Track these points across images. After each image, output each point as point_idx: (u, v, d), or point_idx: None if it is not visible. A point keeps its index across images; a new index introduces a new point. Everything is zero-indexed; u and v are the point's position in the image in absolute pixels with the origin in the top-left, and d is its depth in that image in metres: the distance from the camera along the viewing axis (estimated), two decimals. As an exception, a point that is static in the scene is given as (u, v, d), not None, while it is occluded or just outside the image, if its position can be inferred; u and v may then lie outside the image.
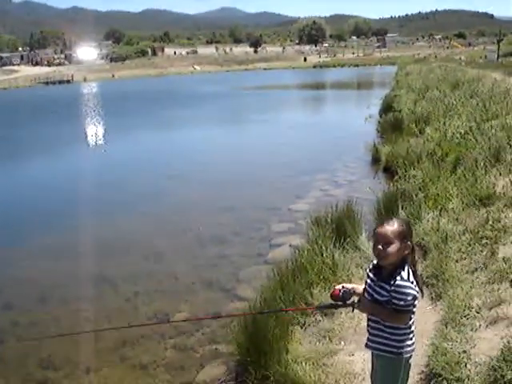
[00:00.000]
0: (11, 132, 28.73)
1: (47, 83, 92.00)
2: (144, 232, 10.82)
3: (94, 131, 28.10)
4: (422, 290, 3.20)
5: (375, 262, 3.24)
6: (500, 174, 8.07)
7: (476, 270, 5.69)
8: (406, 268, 3.07)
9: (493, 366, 3.98)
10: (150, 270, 8.87)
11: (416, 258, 3.25)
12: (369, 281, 3.22)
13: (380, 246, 3.06)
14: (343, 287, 3.22)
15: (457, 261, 5.99)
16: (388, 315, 3.06)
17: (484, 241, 6.11)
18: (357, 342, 5.15)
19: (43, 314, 7.57)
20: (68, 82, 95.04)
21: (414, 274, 3.10)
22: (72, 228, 11.01)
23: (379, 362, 3.30)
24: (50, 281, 8.71)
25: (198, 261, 9.14)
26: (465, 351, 4.37)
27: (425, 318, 5.06)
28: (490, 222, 6.41)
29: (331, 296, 3.23)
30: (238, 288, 7.84)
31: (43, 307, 7.79)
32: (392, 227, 3.06)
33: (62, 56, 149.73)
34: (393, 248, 3.03)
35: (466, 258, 6.00)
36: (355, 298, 3.21)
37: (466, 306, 5.01)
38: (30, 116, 39.52)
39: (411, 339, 3.17)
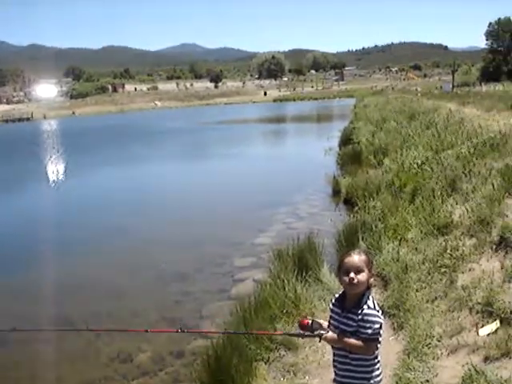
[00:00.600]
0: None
1: (6, 121, 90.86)
2: (105, 270, 10.65)
3: (54, 169, 27.70)
4: None
5: (337, 295, 3.27)
6: (456, 203, 8.21)
7: (436, 298, 5.75)
8: (371, 296, 3.11)
9: (455, 395, 4.01)
10: (112, 309, 8.72)
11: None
12: (333, 314, 3.24)
13: (352, 275, 3.07)
14: (311, 318, 3.23)
15: (417, 290, 6.05)
16: (356, 345, 3.05)
17: (443, 269, 6.19)
18: (321, 375, 5.13)
19: (3, 357, 7.35)
20: (28, 119, 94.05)
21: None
22: (32, 268, 10.77)
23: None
24: (8, 322, 8.46)
25: (160, 298, 9.04)
26: (427, 380, 4.40)
27: (387, 349, 5.07)
28: (449, 251, 6.51)
29: (300, 325, 3.22)
30: (201, 325, 7.74)
31: (3, 351, 7.57)
32: (360, 256, 3.12)
33: (22, 94, 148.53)
34: (363, 276, 3.07)
35: (426, 287, 6.06)
36: (322, 331, 3.20)
37: (427, 335, 5.06)
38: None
39: (378, 369, 3.18)
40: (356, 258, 3.10)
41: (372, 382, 3.14)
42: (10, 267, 11.16)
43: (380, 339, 3.09)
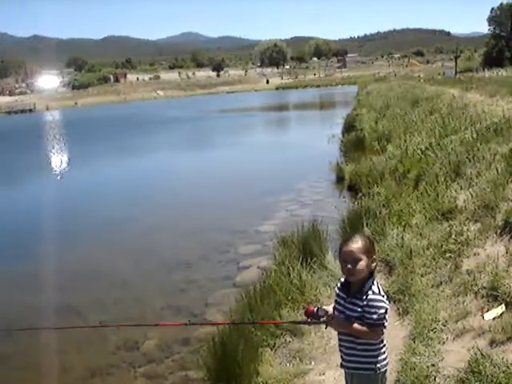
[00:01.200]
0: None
1: (9, 113, 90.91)
2: (110, 259, 10.70)
3: (57, 159, 27.77)
4: None
5: (343, 279, 3.27)
6: (461, 188, 8.18)
7: (441, 283, 5.75)
8: (375, 281, 3.11)
9: (461, 378, 4.02)
10: (117, 297, 8.76)
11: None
12: (338, 299, 3.24)
13: (349, 265, 3.08)
14: (318, 306, 3.25)
15: (422, 275, 6.04)
16: (361, 330, 3.07)
17: (448, 254, 6.18)
18: (327, 361, 5.15)
19: (10, 346, 7.39)
20: (30, 111, 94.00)
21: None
22: (36, 258, 10.81)
23: (356, 381, 3.27)
24: (15, 312, 8.53)
25: (165, 286, 9.07)
26: (433, 365, 4.40)
27: (393, 334, 5.08)
28: (453, 236, 6.49)
29: (305, 313, 3.25)
30: (207, 312, 7.79)
31: (10, 340, 7.60)
32: (357, 244, 3.09)
33: (24, 85, 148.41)
34: (361, 264, 3.07)
35: (430, 273, 6.06)
36: (327, 317, 3.21)
37: (432, 319, 5.06)
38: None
39: (384, 353, 3.20)
40: (353, 246, 3.08)
41: (378, 365, 3.15)
42: (16, 256, 11.21)
43: (386, 324, 3.10)
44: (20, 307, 8.69)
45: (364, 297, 3.05)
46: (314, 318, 3.21)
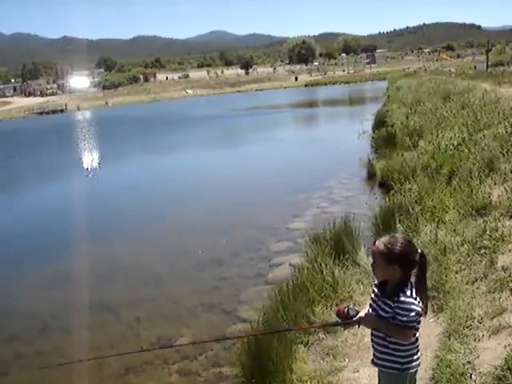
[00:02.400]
0: (11, 162, 28.86)
1: (41, 113, 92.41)
2: (143, 257, 10.80)
3: (91, 158, 28.17)
4: (426, 308, 3.18)
5: None
6: (495, 184, 8.09)
7: (476, 280, 5.69)
8: (410, 286, 3.09)
9: (497, 376, 3.97)
10: (151, 294, 8.85)
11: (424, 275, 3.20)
12: (373, 296, 3.25)
13: (371, 264, 3.19)
14: (348, 307, 3.26)
15: (456, 272, 5.99)
16: (392, 330, 3.07)
17: (482, 251, 6.11)
18: (361, 358, 5.14)
19: (46, 344, 7.54)
20: (62, 111, 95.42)
21: (421, 291, 3.11)
22: (71, 256, 11.00)
23: (384, 378, 3.30)
24: (51, 310, 8.69)
25: (198, 284, 9.13)
26: (469, 362, 4.36)
27: (428, 331, 5.05)
28: (488, 232, 6.42)
29: (337, 314, 3.26)
30: (239, 309, 7.82)
31: (45, 337, 7.77)
32: (376, 247, 3.11)
33: (55, 86, 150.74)
34: (376, 267, 3.12)
35: (465, 269, 6.00)
36: (360, 316, 3.22)
37: (467, 316, 5.01)
38: (26, 145, 39.51)
39: (416, 354, 3.17)
40: (374, 248, 3.13)
41: (406, 366, 3.14)
42: (52, 255, 11.40)
43: (418, 326, 3.07)
44: (55, 305, 8.85)
45: (396, 298, 3.04)
46: (345, 318, 3.22)
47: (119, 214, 14.63)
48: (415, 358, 3.16)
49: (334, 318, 3.34)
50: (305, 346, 5.63)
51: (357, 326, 3.32)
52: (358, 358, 5.20)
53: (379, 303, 3.15)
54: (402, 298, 3.02)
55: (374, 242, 3.17)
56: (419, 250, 3.13)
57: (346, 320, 3.23)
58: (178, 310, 8.18)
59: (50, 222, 14.66)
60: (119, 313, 8.29)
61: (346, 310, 3.21)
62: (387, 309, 3.08)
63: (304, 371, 5.12)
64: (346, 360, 5.27)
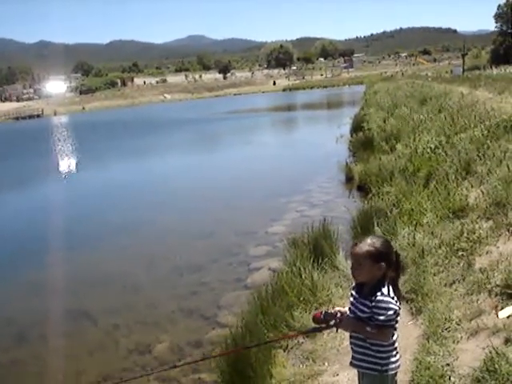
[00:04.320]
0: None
1: (17, 118, 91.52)
2: (121, 263, 10.71)
3: (67, 164, 27.91)
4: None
5: None
6: (472, 186, 8.14)
7: (454, 282, 5.71)
8: (387, 284, 3.10)
9: (477, 377, 3.98)
10: (129, 301, 8.78)
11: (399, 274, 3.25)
12: (351, 299, 3.26)
13: (351, 266, 3.18)
14: (324, 311, 3.24)
15: (434, 274, 6.01)
16: (370, 331, 3.07)
17: (460, 253, 6.14)
18: (340, 361, 5.12)
19: (23, 352, 7.42)
20: (38, 116, 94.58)
21: (395, 290, 3.13)
22: (48, 263, 10.86)
23: (365, 380, 3.29)
24: (27, 318, 8.55)
25: (177, 289, 9.07)
26: (448, 364, 4.37)
27: (407, 333, 5.05)
28: (465, 234, 6.45)
29: (313, 320, 3.25)
30: (218, 315, 7.78)
31: (23, 345, 7.65)
32: (361, 249, 3.10)
33: (31, 90, 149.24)
34: (361, 269, 3.11)
35: (443, 271, 6.02)
36: (337, 319, 3.21)
37: (446, 318, 5.02)
38: (1, 150, 39.06)
39: (395, 356, 3.18)
40: (357, 250, 3.12)
41: (386, 367, 3.14)
42: (28, 262, 11.24)
43: (396, 326, 3.09)
44: (32, 313, 8.71)
45: (373, 298, 3.05)
46: (322, 322, 3.20)
47: (96, 220, 14.48)
48: (394, 359, 3.17)
49: (312, 324, 3.32)
50: (284, 351, 5.61)
51: (335, 330, 3.31)
52: (338, 361, 5.19)
53: (357, 305, 3.15)
54: (380, 298, 3.03)
55: (355, 245, 3.16)
56: (394, 250, 3.20)
57: (324, 325, 3.22)
58: (157, 316, 8.11)
59: (25, 229, 14.44)
60: (97, 320, 8.20)
61: (322, 315, 3.19)
62: (365, 309, 3.08)
63: (283, 376, 5.09)
64: (326, 364, 5.25)
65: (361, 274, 3.13)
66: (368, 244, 3.10)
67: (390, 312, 3.01)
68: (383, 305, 3.01)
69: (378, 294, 3.04)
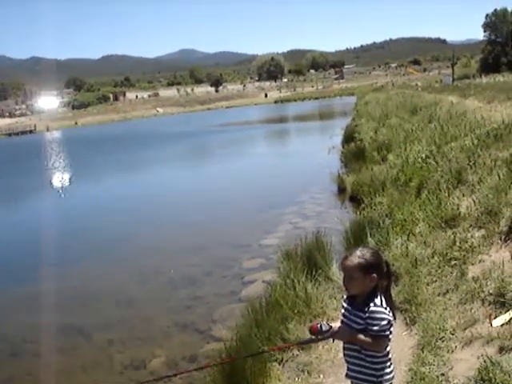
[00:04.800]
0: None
1: (10, 135, 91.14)
2: (115, 278, 10.67)
3: (60, 179, 27.80)
4: (394, 314, 3.20)
5: None
6: (463, 195, 8.17)
7: (447, 291, 5.72)
8: (379, 295, 3.10)
9: (471, 387, 3.99)
10: (123, 316, 8.74)
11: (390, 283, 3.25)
12: (344, 311, 3.25)
13: (343, 279, 3.18)
14: (321, 323, 3.24)
15: (428, 284, 6.02)
16: (365, 341, 3.07)
17: (453, 262, 6.15)
18: (335, 373, 5.11)
19: (16, 369, 7.37)
20: (31, 132, 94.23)
21: (388, 300, 3.13)
22: (42, 278, 10.80)
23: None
24: (21, 334, 8.50)
25: (171, 304, 9.04)
26: (443, 374, 4.37)
27: (401, 344, 5.06)
28: (458, 243, 6.47)
29: (310, 331, 3.23)
30: (213, 328, 7.76)
31: (16, 362, 7.59)
32: (351, 262, 3.11)
33: (24, 106, 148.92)
34: (354, 281, 3.11)
35: (436, 281, 6.03)
36: (333, 330, 3.20)
37: (440, 328, 5.03)
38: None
39: (389, 367, 3.17)
40: (348, 263, 3.12)
41: (381, 379, 3.13)
42: (21, 277, 11.20)
43: (390, 336, 3.09)
44: (26, 329, 8.67)
45: (366, 309, 3.05)
46: (319, 334, 3.20)
47: (90, 235, 14.42)
48: (389, 370, 3.16)
49: (308, 335, 3.32)
50: (279, 364, 5.59)
51: (331, 341, 3.31)
52: (333, 373, 5.18)
53: (351, 317, 3.15)
54: (373, 308, 3.03)
55: (345, 258, 3.17)
56: (384, 259, 3.21)
57: (320, 336, 3.22)
58: (151, 330, 8.08)
59: (18, 244, 14.39)
60: (91, 335, 8.16)
61: (319, 326, 3.19)
62: (359, 320, 3.08)
63: (279, 389, 5.07)
64: (321, 376, 5.24)
65: (353, 286, 3.13)
66: (358, 256, 3.10)
67: (384, 322, 3.01)
68: (377, 315, 3.02)
69: (371, 304, 3.04)
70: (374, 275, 3.08)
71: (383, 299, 3.10)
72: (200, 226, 14.06)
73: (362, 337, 3.07)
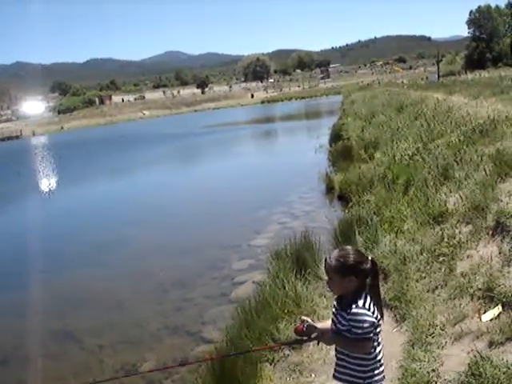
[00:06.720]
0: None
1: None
2: (104, 282, 10.62)
3: (47, 183, 27.65)
4: (382, 312, 3.18)
5: None
6: (450, 191, 8.20)
7: (436, 287, 5.74)
8: (363, 295, 3.08)
9: (462, 382, 4.00)
10: (113, 320, 8.70)
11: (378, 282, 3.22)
12: (333, 310, 3.24)
13: (326, 281, 3.23)
14: (306, 321, 3.21)
15: (417, 280, 6.04)
16: (350, 345, 3.05)
17: (441, 258, 6.17)
18: (327, 372, 5.10)
19: (6, 375, 7.32)
20: (17, 137, 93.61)
21: (376, 299, 3.11)
22: (30, 283, 10.73)
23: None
24: (10, 341, 8.44)
25: (161, 306, 9.01)
26: (434, 370, 4.38)
27: (391, 341, 5.06)
28: (446, 239, 6.49)
29: (295, 332, 3.22)
30: (203, 330, 7.74)
31: (5, 368, 7.54)
32: (330, 264, 3.09)
33: (9, 112, 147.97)
34: (333, 283, 3.12)
35: (425, 277, 6.05)
36: (319, 331, 3.18)
37: (430, 324, 5.05)
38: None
39: (378, 368, 3.14)
40: (327, 264, 3.12)
41: (369, 381, 3.11)
42: (8, 283, 11.12)
43: (375, 337, 3.06)
44: (15, 335, 8.61)
45: (348, 310, 3.03)
46: (304, 335, 3.19)
47: (78, 239, 14.34)
48: (378, 371, 3.13)
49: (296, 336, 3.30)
50: (270, 364, 5.59)
51: (317, 343, 3.30)
52: (324, 372, 5.17)
53: (338, 316, 3.14)
54: (354, 310, 3.00)
55: (326, 259, 3.15)
56: (370, 258, 3.15)
57: (305, 337, 3.20)
58: (142, 334, 8.04)
59: (6, 249, 14.31)
60: (82, 340, 8.11)
61: (304, 327, 3.17)
62: (343, 321, 3.07)
63: (270, 389, 5.07)
64: (313, 375, 5.24)
65: (334, 287, 3.16)
66: (335, 258, 3.08)
67: (366, 324, 2.97)
68: (358, 317, 2.98)
69: (353, 306, 3.02)
70: (352, 277, 3.04)
71: (368, 299, 3.07)
72: (189, 227, 14.04)
73: (345, 340, 3.06)
